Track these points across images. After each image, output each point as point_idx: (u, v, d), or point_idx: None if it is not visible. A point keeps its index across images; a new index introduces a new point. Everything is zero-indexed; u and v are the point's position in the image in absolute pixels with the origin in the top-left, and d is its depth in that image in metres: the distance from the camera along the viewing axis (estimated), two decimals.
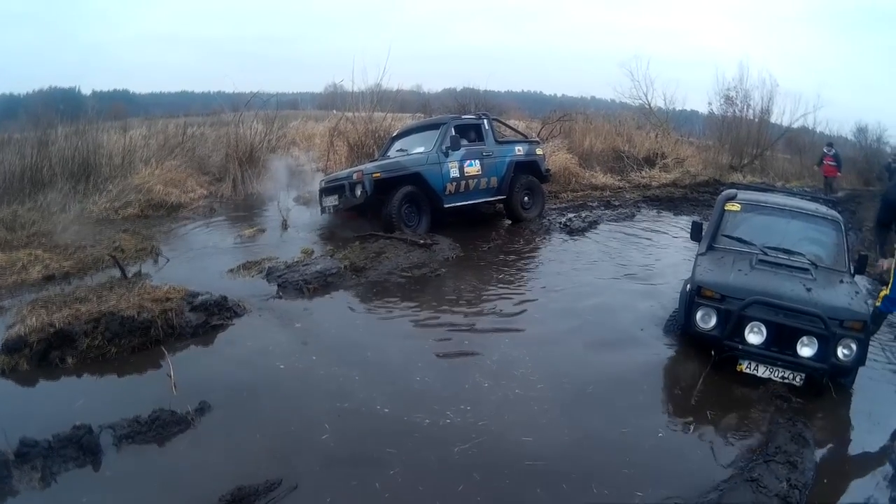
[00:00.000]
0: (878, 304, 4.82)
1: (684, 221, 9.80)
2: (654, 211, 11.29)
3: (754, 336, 4.10)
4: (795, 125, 21.88)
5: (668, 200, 12.28)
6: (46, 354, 3.97)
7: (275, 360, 4.13)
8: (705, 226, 5.39)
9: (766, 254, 4.74)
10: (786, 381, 4.03)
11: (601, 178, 13.85)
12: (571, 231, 8.58)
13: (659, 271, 6.79)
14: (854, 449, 3.67)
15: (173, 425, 3.25)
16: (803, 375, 4.01)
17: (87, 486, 2.83)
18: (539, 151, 9.68)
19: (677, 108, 20.85)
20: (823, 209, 5.32)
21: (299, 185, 10.71)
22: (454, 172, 8.13)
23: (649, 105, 19.75)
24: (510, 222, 9.14)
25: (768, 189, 7.46)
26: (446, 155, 8.09)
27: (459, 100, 18.29)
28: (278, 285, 5.55)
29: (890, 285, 4.69)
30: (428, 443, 3.22)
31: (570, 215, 9.71)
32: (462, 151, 8.26)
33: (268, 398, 3.64)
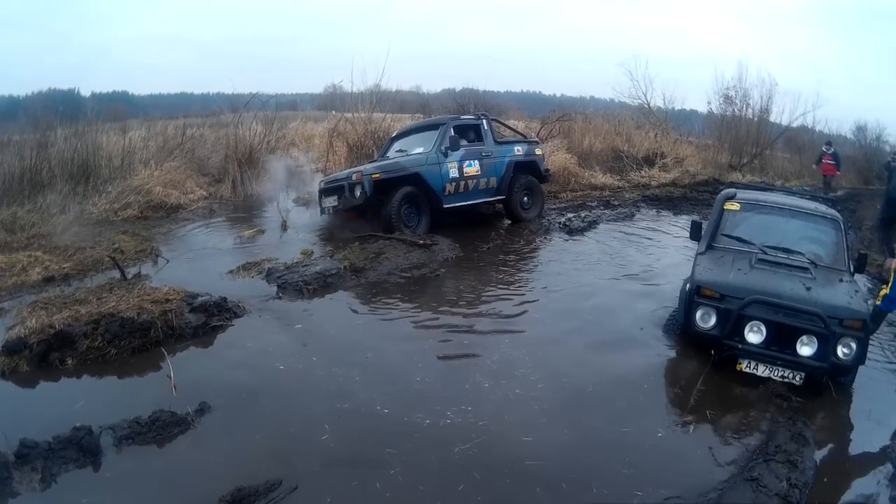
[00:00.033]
0: (878, 302, 4.82)
1: (684, 221, 9.81)
2: (654, 210, 11.30)
3: (754, 335, 4.10)
4: (795, 124, 21.90)
5: (668, 200, 12.29)
6: (46, 356, 3.97)
7: (274, 360, 4.13)
8: (705, 225, 5.39)
9: (765, 253, 4.74)
10: (786, 380, 4.03)
11: (600, 178, 13.86)
12: (571, 231, 8.59)
13: (659, 271, 6.79)
14: (854, 448, 3.67)
15: (173, 426, 3.25)
16: (803, 374, 4.01)
17: (88, 487, 2.83)
18: (538, 151, 9.69)
19: (676, 108, 20.89)
20: (823, 208, 5.32)
21: (299, 185, 10.72)
22: (453, 173, 8.13)
23: (648, 104, 19.76)
24: (509, 222, 9.14)
25: (768, 188, 7.46)
26: (445, 155, 8.09)
27: (458, 100, 18.31)
28: (278, 286, 5.55)
29: (890, 284, 4.69)
30: (428, 443, 3.22)
31: (570, 215, 9.72)
32: (461, 152, 8.27)
33: (268, 399, 3.64)
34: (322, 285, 5.63)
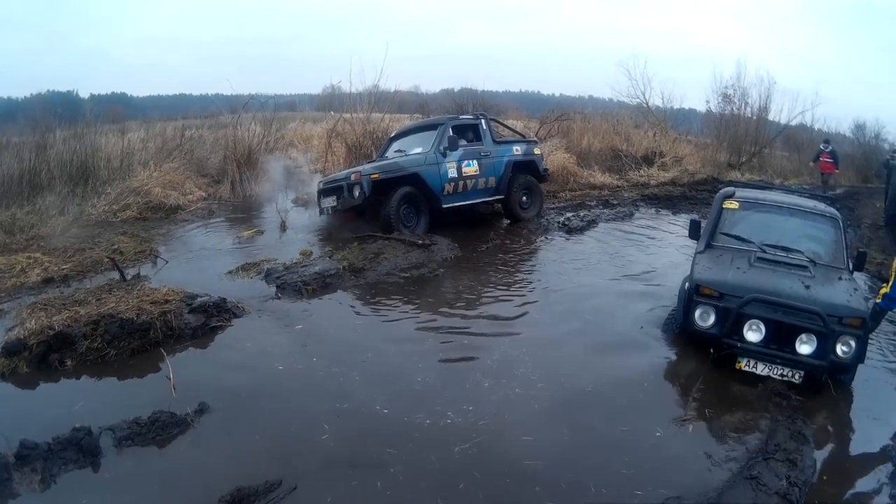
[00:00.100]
0: (878, 300, 4.83)
1: (683, 220, 9.81)
2: (653, 209, 11.30)
3: (753, 334, 4.10)
4: (793, 122, 21.97)
5: (667, 199, 12.30)
6: (46, 357, 3.97)
7: (274, 361, 4.13)
8: (703, 224, 5.39)
9: (764, 251, 4.74)
10: (785, 378, 4.03)
11: (599, 178, 13.88)
12: (570, 230, 8.60)
13: (658, 270, 6.79)
14: (854, 446, 3.67)
15: (173, 427, 3.25)
16: (802, 373, 4.01)
17: (87, 488, 2.82)
18: (537, 151, 9.70)
19: (675, 107, 20.92)
20: (822, 206, 5.32)
21: (297, 186, 10.72)
22: (452, 173, 8.13)
23: (647, 104, 19.80)
24: (508, 222, 9.14)
25: (766, 187, 7.46)
26: (444, 155, 8.09)
27: (457, 100, 18.35)
28: (277, 286, 5.55)
29: (891, 282, 4.69)
30: (428, 443, 3.22)
31: (569, 214, 9.73)
32: (460, 152, 8.27)
33: (267, 399, 3.63)
34: (321, 286, 5.63)
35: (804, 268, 4.51)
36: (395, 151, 8.86)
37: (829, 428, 3.77)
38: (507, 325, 4.96)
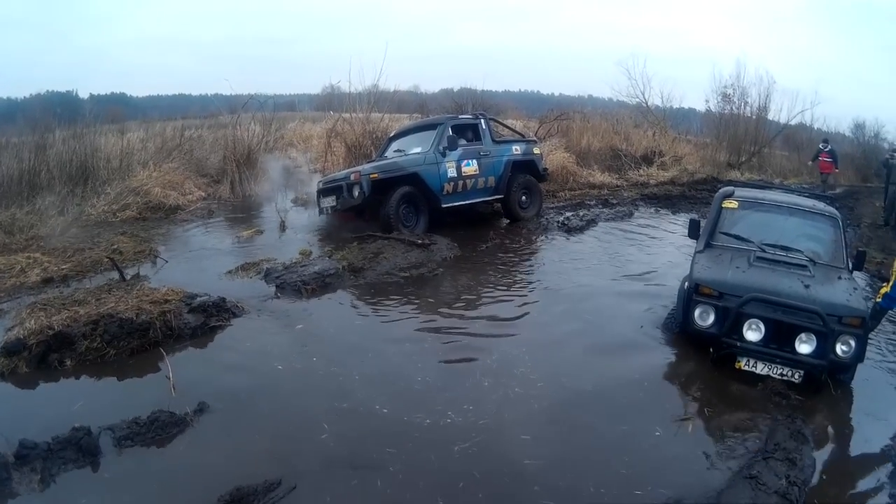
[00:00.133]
0: (878, 299, 4.83)
1: (682, 219, 9.81)
2: (652, 209, 11.31)
3: (752, 333, 4.10)
4: (793, 122, 22.02)
5: (666, 198, 12.30)
6: (45, 357, 3.97)
7: (273, 360, 4.12)
8: (703, 223, 5.39)
9: (763, 251, 4.74)
10: (785, 377, 4.03)
11: (599, 177, 13.88)
12: (569, 230, 8.59)
13: (657, 269, 6.78)
14: (854, 445, 3.66)
15: (172, 426, 3.25)
16: (802, 372, 4.01)
17: (87, 488, 2.82)
18: (536, 150, 9.70)
19: (674, 106, 20.96)
20: (821, 206, 5.32)
21: (297, 186, 10.72)
22: (452, 172, 8.13)
23: (647, 103, 19.82)
24: (508, 221, 9.14)
25: (766, 186, 7.48)
26: (444, 155, 8.09)
27: (457, 100, 18.34)
28: (276, 286, 5.55)
29: (892, 282, 4.69)
30: (428, 442, 3.21)
31: (568, 214, 9.73)
32: (459, 151, 8.27)
33: (266, 399, 3.63)
34: (321, 285, 5.63)
35: (804, 267, 4.51)
36: (395, 151, 8.86)
37: (829, 427, 3.77)
38: (507, 325, 4.96)
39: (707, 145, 19.78)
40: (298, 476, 2.88)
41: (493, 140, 8.99)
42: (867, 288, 6.37)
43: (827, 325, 3.88)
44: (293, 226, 8.50)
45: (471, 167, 8.37)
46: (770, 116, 21.42)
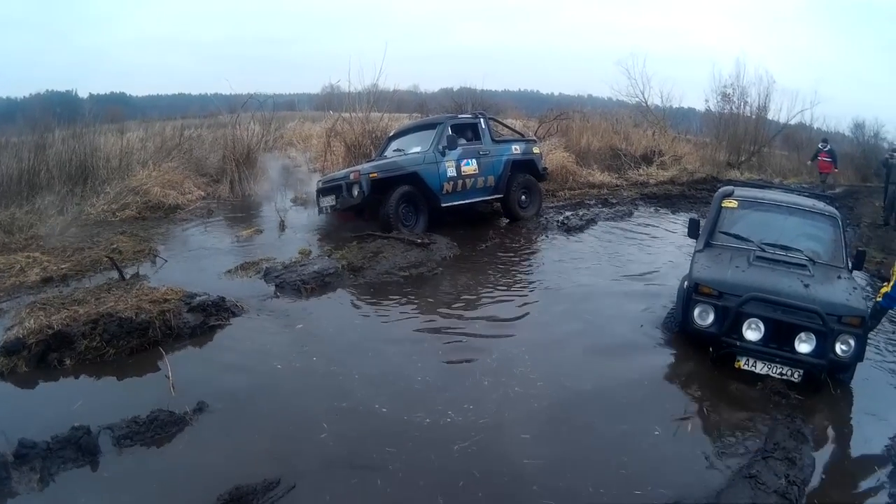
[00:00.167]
0: (878, 299, 4.83)
1: (682, 219, 9.81)
2: (652, 208, 11.31)
3: (752, 332, 4.10)
4: (792, 122, 22.06)
5: (666, 198, 12.30)
6: (45, 356, 3.96)
7: (273, 359, 4.12)
8: (702, 223, 5.39)
9: (763, 250, 4.74)
10: (784, 377, 4.03)
11: (598, 177, 13.87)
12: (569, 229, 8.59)
13: (657, 269, 6.79)
14: (853, 445, 3.66)
15: (172, 425, 3.25)
16: (802, 372, 4.01)
17: (86, 487, 2.82)
18: (536, 150, 9.70)
19: (674, 106, 20.98)
20: (821, 205, 5.32)
21: (296, 185, 10.72)
22: (451, 172, 8.13)
23: (646, 103, 19.83)
24: (507, 221, 9.14)
25: (765, 186, 7.48)
26: (443, 154, 8.09)
27: (456, 99, 18.36)
28: (276, 285, 5.55)
29: (892, 282, 4.69)
30: (428, 441, 3.22)
31: (568, 213, 9.72)
32: (459, 151, 8.27)
33: (266, 398, 3.63)
34: (320, 284, 5.63)
35: (803, 266, 4.51)
36: (394, 150, 8.86)
37: (829, 427, 3.77)
38: (507, 325, 4.96)
39: (707, 145, 19.79)
40: (298, 475, 2.88)
41: (493, 139, 8.98)
42: (867, 287, 6.38)
43: (826, 324, 3.89)
44: (292, 225, 8.49)
45: (470, 166, 8.36)
46: (770, 116, 21.49)
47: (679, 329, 4.66)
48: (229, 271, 6.08)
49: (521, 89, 41.54)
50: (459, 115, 9.48)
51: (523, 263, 7.00)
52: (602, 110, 19.31)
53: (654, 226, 9.54)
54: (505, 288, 5.97)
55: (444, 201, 8.09)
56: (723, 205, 5.23)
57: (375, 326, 4.89)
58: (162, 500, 2.78)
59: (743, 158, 19.58)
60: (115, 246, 6.87)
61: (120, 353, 4.11)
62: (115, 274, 5.67)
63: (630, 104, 20.08)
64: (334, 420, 3.38)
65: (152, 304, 4.50)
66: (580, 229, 8.69)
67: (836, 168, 16.41)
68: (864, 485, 3.21)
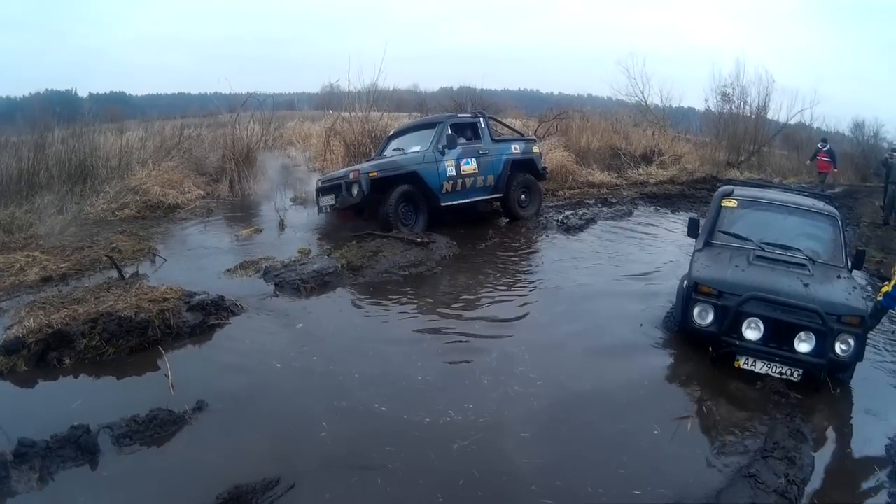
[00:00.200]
0: (879, 298, 4.83)
1: (682, 218, 9.81)
2: (652, 208, 11.31)
3: (752, 332, 4.10)
4: (792, 121, 22.10)
5: (666, 197, 12.31)
6: (44, 355, 3.96)
7: (272, 358, 4.12)
8: (702, 222, 5.39)
9: (763, 250, 4.74)
10: (784, 376, 4.03)
11: (598, 176, 13.88)
12: (569, 229, 8.59)
13: (656, 268, 6.79)
14: (853, 444, 3.66)
15: (171, 424, 3.25)
16: (801, 371, 4.01)
17: (85, 486, 2.82)
18: (536, 149, 9.70)
19: (674, 105, 21.01)
20: (821, 205, 5.32)
21: (296, 185, 10.72)
22: (451, 171, 8.13)
23: (646, 102, 19.86)
24: (507, 220, 9.14)
25: (765, 185, 7.48)
26: (443, 153, 8.08)
27: (456, 99, 18.37)
28: (275, 285, 5.55)
29: (893, 282, 4.69)
30: (428, 440, 3.21)
31: (568, 213, 9.73)
32: (458, 150, 8.26)
33: (265, 397, 3.63)
34: (320, 284, 5.62)
35: (803, 266, 4.51)
36: (394, 150, 8.86)
37: (828, 426, 3.77)
38: (506, 324, 4.96)
39: (706, 144, 19.82)
40: (297, 475, 2.88)
41: (493, 139, 8.98)
42: (867, 287, 6.38)
43: (826, 323, 3.89)
44: (292, 224, 8.49)
45: (470, 166, 8.36)
46: (769, 115, 21.53)
47: (679, 328, 4.66)
48: (229, 270, 6.07)
49: (521, 89, 41.55)
50: (459, 115, 9.48)
51: (523, 263, 7.00)
52: (602, 110, 19.33)
53: (653, 225, 9.54)
54: (505, 287, 5.97)
55: (444, 200, 8.08)
56: (722, 204, 5.23)
57: (375, 326, 4.89)
58: (161, 499, 2.77)
59: (742, 158, 19.60)
60: (114, 245, 6.86)
61: (119, 352, 4.10)
62: (114, 273, 5.66)
63: (630, 103, 20.14)
64: (334, 419, 3.38)
65: (152, 304, 4.50)
66: (580, 229, 8.69)
67: (835, 168, 16.41)
68: (864, 484, 3.22)
